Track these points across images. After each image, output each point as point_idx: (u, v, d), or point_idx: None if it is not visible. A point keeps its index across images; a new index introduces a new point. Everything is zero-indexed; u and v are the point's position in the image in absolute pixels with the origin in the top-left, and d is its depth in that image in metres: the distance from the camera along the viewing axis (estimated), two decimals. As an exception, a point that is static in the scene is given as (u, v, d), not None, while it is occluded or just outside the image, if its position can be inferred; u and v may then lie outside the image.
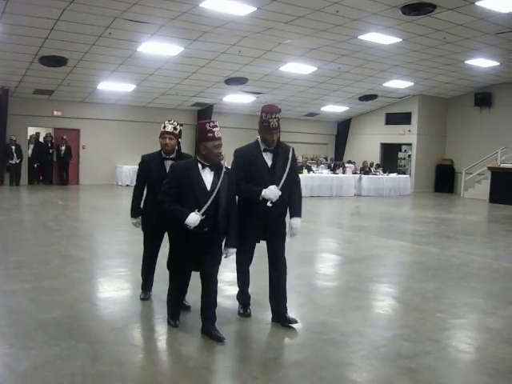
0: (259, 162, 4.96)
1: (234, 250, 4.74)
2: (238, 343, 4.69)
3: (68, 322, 5.01)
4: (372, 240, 10.65)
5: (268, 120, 4.86)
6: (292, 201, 5.10)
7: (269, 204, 4.81)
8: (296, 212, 5.09)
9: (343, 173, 21.95)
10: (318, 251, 9.71)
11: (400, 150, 26.27)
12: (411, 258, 9.05)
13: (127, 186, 21.71)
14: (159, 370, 4.17)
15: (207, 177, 4.53)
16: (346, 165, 22.99)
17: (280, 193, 4.85)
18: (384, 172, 23.23)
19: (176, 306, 5.00)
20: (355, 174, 22.19)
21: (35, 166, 20.82)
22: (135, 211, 5.69)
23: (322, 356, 4.40)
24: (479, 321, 5.67)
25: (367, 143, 26.64)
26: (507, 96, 22.01)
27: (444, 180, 24.81)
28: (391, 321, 5.59)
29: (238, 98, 22.48)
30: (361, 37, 15.00)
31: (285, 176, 4.91)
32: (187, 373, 4.11)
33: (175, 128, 5.45)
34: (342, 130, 27.97)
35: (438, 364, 4.34)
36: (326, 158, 26.55)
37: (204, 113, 23.34)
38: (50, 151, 21.03)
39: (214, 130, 4.49)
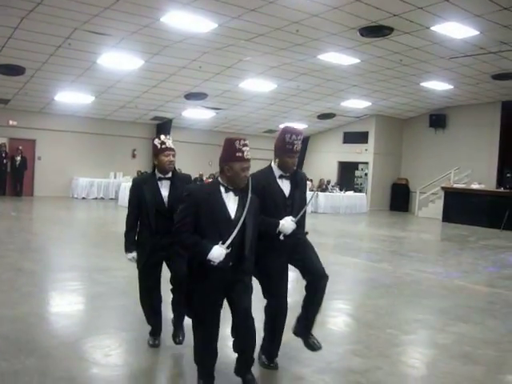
0: (274, 191, 4.35)
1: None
2: (190, 357, 4.66)
3: (17, 336, 4.91)
4: (327, 257, 10.72)
5: (293, 142, 4.37)
6: None
7: (281, 237, 4.30)
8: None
9: (301, 190, 22.03)
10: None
11: (357, 169, 26.66)
12: (365, 275, 9.18)
13: (83, 198, 21.47)
14: (110, 384, 4.14)
15: (231, 203, 3.84)
16: (304, 182, 23.08)
17: (295, 226, 4.31)
18: (341, 190, 23.52)
19: (209, 363, 3.95)
20: (312, 191, 22.38)
21: (-12, 176, 20.35)
22: (130, 244, 4.88)
23: (273, 371, 4.43)
24: (429, 337, 5.79)
25: (325, 161, 26.95)
26: (461, 118, 22.61)
27: (399, 199, 25.22)
28: (343, 337, 5.66)
29: (197, 113, 22.47)
30: (320, 56, 15.23)
31: (305, 207, 4.47)
32: (139, 388, 4.09)
33: (172, 143, 4.88)
34: (300, 147, 28.13)
35: (388, 379, 4.42)
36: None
37: (163, 127, 23.27)
38: (4, 161, 20.59)
39: (244, 149, 3.80)
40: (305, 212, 4.53)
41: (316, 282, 4.46)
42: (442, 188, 21.02)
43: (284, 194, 4.39)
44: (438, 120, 23.42)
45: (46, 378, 4.05)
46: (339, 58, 15.30)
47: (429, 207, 22.45)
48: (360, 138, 25.27)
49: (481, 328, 6.10)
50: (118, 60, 15.27)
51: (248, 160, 3.84)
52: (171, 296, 4.90)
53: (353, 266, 9.99)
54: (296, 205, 4.41)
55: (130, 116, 22.47)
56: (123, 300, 6.49)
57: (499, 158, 21.53)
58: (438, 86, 18.77)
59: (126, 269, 7.91)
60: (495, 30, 12.50)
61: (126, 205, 5.07)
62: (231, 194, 3.83)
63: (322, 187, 22.83)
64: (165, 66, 16.06)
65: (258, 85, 18.52)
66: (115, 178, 22.61)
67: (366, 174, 25.83)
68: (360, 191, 25.23)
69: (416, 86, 18.97)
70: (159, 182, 4.79)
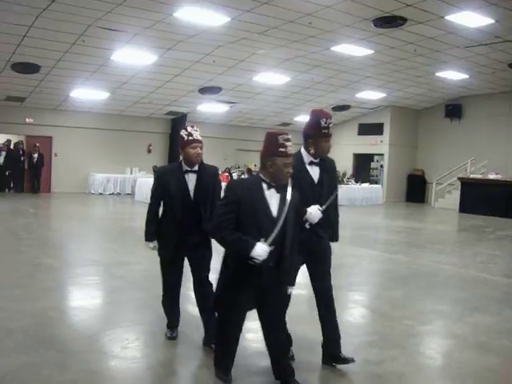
0: (303, 178, 4.20)
1: (292, 289, 4.01)
2: (208, 349, 4.69)
3: (37, 330, 4.98)
4: (343, 249, 10.72)
5: (328, 126, 4.24)
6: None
7: (307, 226, 4.16)
8: (334, 236, 4.58)
9: (316, 182, 22.13)
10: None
11: (372, 160, 26.56)
12: (381, 267, 9.18)
13: (100, 194, 21.62)
14: (129, 377, 4.18)
15: (273, 200, 3.69)
16: (319, 174, 23.14)
17: (321, 215, 4.18)
18: (356, 182, 23.48)
19: (228, 355, 3.96)
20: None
21: (7, 173, 20.55)
22: (150, 234, 4.84)
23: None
24: (445, 327, 5.78)
25: (340, 153, 26.73)
26: (477, 108, 22.43)
27: (415, 190, 25.08)
28: (360, 328, 5.67)
29: (211, 107, 22.52)
30: (333, 48, 15.17)
31: (333, 195, 4.32)
32: (158, 380, 4.13)
33: (200, 135, 4.75)
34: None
35: (404, 369, 4.43)
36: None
37: (178, 122, 23.35)
38: (22, 159, 20.80)
39: (287, 144, 3.65)
40: (336, 206, 4.40)
41: (322, 291, 4.38)
42: (459, 179, 20.89)
43: (313, 181, 4.27)
44: (453, 110, 23.24)
45: (65, 371, 4.11)
46: (353, 49, 15.24)
47: (445, 198, 22.33)
48: (375, 129, 25.15)
49: (497, 318, 6.07)
50: (132, 56, 15.34)
51: (291, 155, 3.71)
52: (191, 293, 4.91)
53: (369, 258, 9.98)
54: (325, 193, 4.28)
55: (145, 111, 22.56)
56: (140, 294, 6.55)
57: (516, 147, 21.34)
58: (453, 75, 18.62)
59: (142, 263, 8.02)
60: (511, 18, 12.37)
61: (143, 200, 5.13)
62: (273, 190, 3.70)
63: (338, 179, 22.75)
64: (178, 61, 16.11)
65: (271, 78, 18.50)
66: (131, 173, 22.74)
67: (381, 166, 25.72)
68: (376, 183, 25.13)
69: (431, 76, 18.83)
70: (186, 175, 4.67)
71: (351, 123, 26.38)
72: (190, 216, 4.61)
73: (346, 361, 4.37)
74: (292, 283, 3.96)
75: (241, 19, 12.70)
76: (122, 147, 22.76)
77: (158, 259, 4.86)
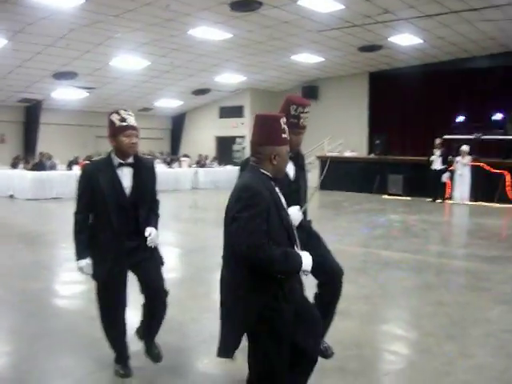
0: None
1: None
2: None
3: None
4: (208, 231, 10.90)
5: (299, 115, 3.65)
6: None
7: None
8: None
9: (179, 167, 22.21)
10: (156, 245, 9.75)
11: (234, 143, 26.96)
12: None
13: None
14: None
15: (282, 199, 3.05)
16: (182, 158, 23.25)
17: (302, 217, 3.63)
18: (219, 164, 23.76)
19: None
20: (191, 167, 22.49)
21: None
22: (83, 249, 3.86)
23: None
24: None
25: (202, 136, 27.03)
26: (332, 89, 23.43)
27: (277, 170, 25.81)
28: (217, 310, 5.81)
29: (68, 94, 21.63)
30: (191, 32, 15.19)
31: (311, 195, 3.82)
32: (21, 376, 4.01)
33: (135, 120, 3.94)
34: (177, 124, 28.22)
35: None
36: (161, 153, 26.58)
37: (33, 109, 22.26)
38: None
39: (286, 129, 3.02)
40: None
41: (332, 283, 3.97)
42: (317, 157, 21.77)
43: (289, 178, 3.74)
44: (310, 91, 24.06)
45: None
46: (211, 32, 15.37)
47: (306, 177, 23.16)
48: (236, 112, 25.56)
49: (354, 285, 6.49)
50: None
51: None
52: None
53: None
54: (302, 190, 3.85)
55: (-5, 98, 21.26)
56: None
57: (369, 126, 22.68)
58: (308, 58, 19.36)
59: None
60: (358, 3, 13.12)
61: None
62: (277, 187, 3.03)
63: (201, 163, 22.95)
64: (29, 45, 15.32)
65: (130, 62, 18.16)
66: (-17, 165, 21.36)
67: (243, 148, 26.17)
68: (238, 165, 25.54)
69: (287, 60, 19.45)
70: (118, 170, 3.87)
71: (212, 106, 26.61)
72: (126, 219, 3.85)
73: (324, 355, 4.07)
74: None
75: (95, 1, 12.34)
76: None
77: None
